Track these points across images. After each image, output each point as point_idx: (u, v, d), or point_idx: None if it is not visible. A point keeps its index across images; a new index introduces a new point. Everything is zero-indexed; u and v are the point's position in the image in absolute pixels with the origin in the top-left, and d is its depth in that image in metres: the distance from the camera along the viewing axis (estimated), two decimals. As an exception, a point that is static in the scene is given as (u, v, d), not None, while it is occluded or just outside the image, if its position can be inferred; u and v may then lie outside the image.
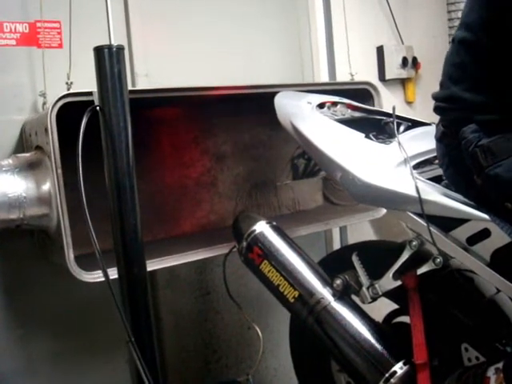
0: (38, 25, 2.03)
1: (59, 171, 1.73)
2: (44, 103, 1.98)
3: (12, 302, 2.03)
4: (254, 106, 1.98)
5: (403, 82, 3.19)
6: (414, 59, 3.16)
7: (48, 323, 2.06)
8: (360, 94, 2.39)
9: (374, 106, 2.38)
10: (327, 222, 2.37)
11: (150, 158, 2.27)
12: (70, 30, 1.92)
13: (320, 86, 2.47)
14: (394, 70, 3.10)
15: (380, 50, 3.09)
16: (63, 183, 1.74)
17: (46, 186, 1.80)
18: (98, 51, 1.57)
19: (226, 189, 2.52)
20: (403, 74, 3.13)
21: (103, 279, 1.53)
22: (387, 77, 3.07)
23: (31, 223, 1.83)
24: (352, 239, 2.81)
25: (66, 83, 1.90)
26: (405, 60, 3.11)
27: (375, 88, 2.41)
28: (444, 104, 1.51)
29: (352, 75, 2.72)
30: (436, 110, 1.54)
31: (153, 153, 2.29)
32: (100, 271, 1.57)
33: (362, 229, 2.75)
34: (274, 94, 2.02)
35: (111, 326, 1.71)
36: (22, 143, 2.00)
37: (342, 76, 2.83)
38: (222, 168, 2.50)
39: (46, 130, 1.72)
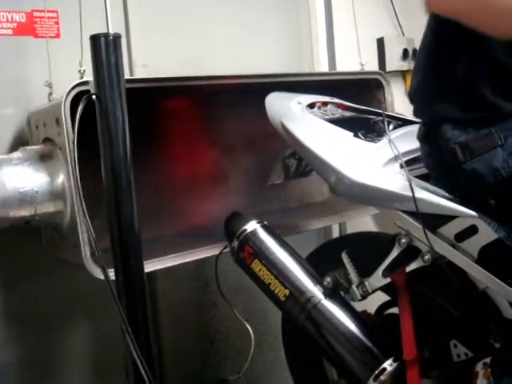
0: (35, 14, 2.02)
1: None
2: (50, 93, 1.96)
3: (11, 296, 2.04)
4: (261, 96, 1.98)
5: (404, 74, 3.19)
6: (415, 51, 3.14)
7: (45, 317, 2.08)
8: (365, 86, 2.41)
9: (384, 96, 2.40)
10: (342, 214, 2.40)
11: (158, 150, 2.27)
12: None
13: (331, 75, 2.55)
14: (394, 62, 3.09)
15: (380, 42, 3.09)
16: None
17: (60, 180, 1.75)
18: (95, 40, 1.56)
19: (235, 182, 2.51)
20: (404, 65, 3.12)
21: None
22: (388, 69, 3.06)
23: (42, 219, 1.77)
24: (351, 229, 2.83)
25: (79, 71, 1.86)
26: (405, 52, 3.10)
27: (386, 78, 2.42)
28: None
29: (362, 65, 2.72)
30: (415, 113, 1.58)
31: (161, 145, 2.30)
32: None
33: (360, 220, 2.75)
34: (283, 83, 2.03)
35: (109, 318, 1.72)
36: (18, 136, 1.99)
37: (345, 67, 2.84)
38: (231, 161, 2.50)
39: (58, 120, 1.69)
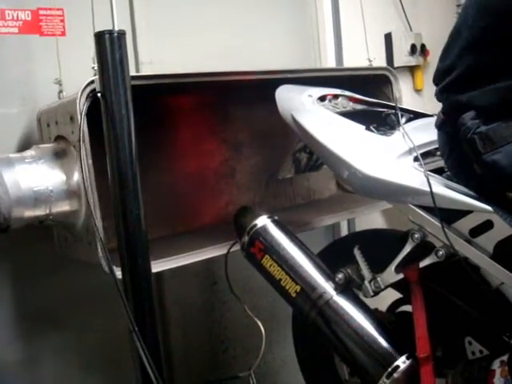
0: (41, 12, 2.01)
1: (90, 161, 1.65)
2: (60, 91, 1.94)
3: (22, 295, 2.02)
4: (269, 93, 1.97)
5: (412, 70, 3.18)
6: (423, 46, 3.13)
7: (53, 315, 2.07)
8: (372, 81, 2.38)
9: (392, 91, 2.38)
10: (352, 211, 2.37)
11: (166, 147, 2.26)
12: (92, 15, 1.76)
13: (338, 71, 2.51)
14: (402, 58, 3.08)
15: (388, 37, 3.07)
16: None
17: (75, 179, 1.72)
18: (99, 37, 1.54)
19: (243, 179, 2.51)
20: (412, 61, 3.11)
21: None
22: (396, 64, 3.05)
23: (56, 219, 1.74)
24: (360, 227, 2.81)
25: (93, 68, 1.75)
26: (413, 47, 3.09)
27: (394, 74, 2.39)
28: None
29: (370, 61, 2.70)
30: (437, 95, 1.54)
31: (169, 142, 2.29)
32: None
33: (369, 217, 2.73)
34: (290, 79, 2.01)
35: (119, 317, 1.70)
36: (26, 135, 1.98)
37: (352, 62, 2.82)
38: (239, 158, 2.50)
39: (72, 118, 1.67)
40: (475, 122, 1.41)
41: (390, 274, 1.70)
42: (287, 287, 1.76)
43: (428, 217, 1.57)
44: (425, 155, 1.67)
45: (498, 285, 1.58)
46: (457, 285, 1.69)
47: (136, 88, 1.61)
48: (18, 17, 1.97)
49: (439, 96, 1.54)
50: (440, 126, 1.56)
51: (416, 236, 1.64)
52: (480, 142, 1.39)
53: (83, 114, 1.61)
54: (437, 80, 1.55)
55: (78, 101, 1.63)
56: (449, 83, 1.50)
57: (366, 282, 1.74)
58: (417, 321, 1.68)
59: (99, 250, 1.64)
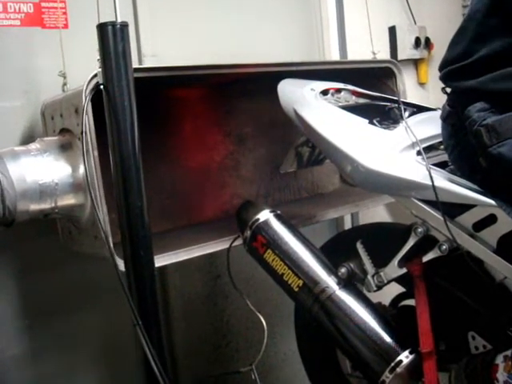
0: (43, 4, 2.00)
1: (95, 154, 1.63)
2: (64, 84, 1.93)
3: (26, 288, 2.02)
4: (273, 85, 1.96)
5: (416, 63, 3.16)
6: (427, 39, 3.12)
7: (56, 309, 2.07)
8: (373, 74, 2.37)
9: (396, 84, 2.37)
10: (356, 204, 2.36)
11: (170, 141, 2.27)
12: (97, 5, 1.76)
13: (343, 64, 2.50)
14: (406, 51, 3.06)
15: (392, 30, 3.06)
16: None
17: (81, 171, 1.69)
18: (102, 28, 1.53)
19: (248, 172, 2.51)
20: (416, 54, 3.10)
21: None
22: (400, 57, 3.03)
23: (62, 212, 1.73)
24: (363, 221, 2.80)
25: (98, 60, 1.72)
26: (418, 40, 3.08)
27: (398, 67, 2.38)
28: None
29: (374, 54, 2.68)
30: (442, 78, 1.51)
31: (173, 135, 2.29)
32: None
33: (373, 210, 2.73)
34: (294, 72, 2.00)
35: (123, 310, 1.71)
36: (29, 128, 1.97)
37: (356, 55, 2.82)
38: (243, 151, 2.49)
39: (77, 110, 1.66)
40: (481, 115, 1.39)
41: (393, 269, 1.70)
42: (289, 282, 1.75)
43: (431, 211, 1.57)
44: (428, 149, 1.66)
45: (501, 279, 1.58)
46: (460, 279, 1.68)
47: (139, 81, 1.61)
48: (20, 9, 1.96)
49: (446, 82, 1.51)
50: (445, 118, 1.54)
51: (419, 230, 1.64)
52: (486, 135, 1.36)
53: (86, 105, 1.58)
54: (443, 67, 1.52)
55: (83, 93, 1.60)
56: (459, 69, 1.45)
57: (369, 277, 1.75)
58: (420, 315, 1.67)
59: (105, 243, 1.62)
